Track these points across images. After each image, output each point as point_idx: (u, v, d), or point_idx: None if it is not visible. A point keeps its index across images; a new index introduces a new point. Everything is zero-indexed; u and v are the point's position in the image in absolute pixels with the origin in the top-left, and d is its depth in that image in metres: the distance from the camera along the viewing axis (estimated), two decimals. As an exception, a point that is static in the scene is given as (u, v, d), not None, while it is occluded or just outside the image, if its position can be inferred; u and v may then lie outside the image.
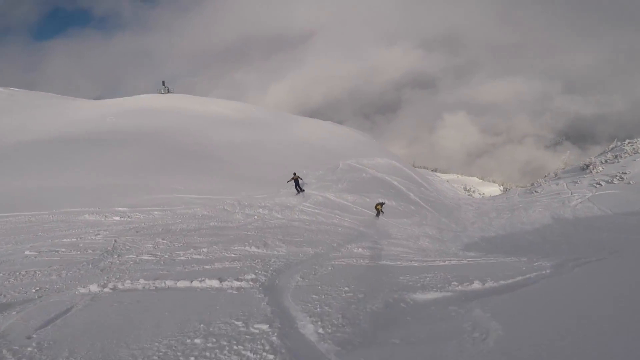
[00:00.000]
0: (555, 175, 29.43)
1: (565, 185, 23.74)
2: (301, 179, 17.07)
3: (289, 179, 16.60)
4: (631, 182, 19.29)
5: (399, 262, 7.48)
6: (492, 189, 62.90)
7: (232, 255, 6.78)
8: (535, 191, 25.95)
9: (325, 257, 7.40)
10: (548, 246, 13.62)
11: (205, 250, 6.89)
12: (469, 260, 8.11)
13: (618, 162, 22.72)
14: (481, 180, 78.74)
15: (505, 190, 44.51)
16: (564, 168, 31.23)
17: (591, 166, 23.59)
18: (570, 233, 15.48)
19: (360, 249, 8.74)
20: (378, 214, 15.73)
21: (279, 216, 12.00)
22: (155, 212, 10.50)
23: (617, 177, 20.21)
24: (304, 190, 16.79)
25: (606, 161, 23.76)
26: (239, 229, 9.58)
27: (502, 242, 15.48)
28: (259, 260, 6.49)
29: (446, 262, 7.60)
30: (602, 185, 20.52)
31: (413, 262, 7.63)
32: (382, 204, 16.20)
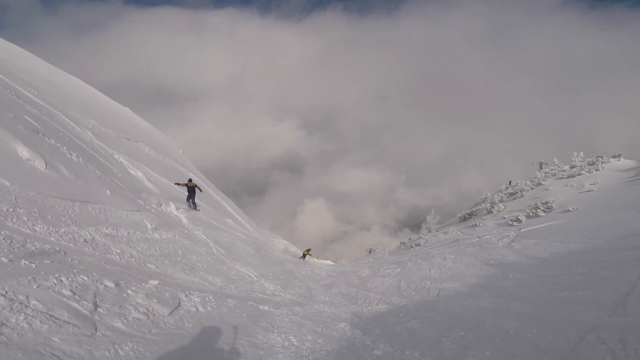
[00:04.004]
0: (428, 230, 22.19)
1: (458, 232, 15.75)
2: (200, 189, 11.22)
3: (181, 183, 10.93)
4: (570, 208, 12.04)
5: None
6: (344, 271, 57.04)
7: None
8: (416, 244, 17.36)
9: None
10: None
11: None
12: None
13: (522, 196, 16.28)
14: (334, 263, 73.44)
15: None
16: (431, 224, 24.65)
17: (487, 204, 16.48)
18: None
19: None
20: (304, 257, 16.29)
21: None
22: None
23: (542, 209, 12.88)
24: (196, 208, 10.84)
25: (501, 200, 17.23)
26: None
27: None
28: None
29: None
30: (521, 220, 12.86)
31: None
32: (309, 250, 17.54)
